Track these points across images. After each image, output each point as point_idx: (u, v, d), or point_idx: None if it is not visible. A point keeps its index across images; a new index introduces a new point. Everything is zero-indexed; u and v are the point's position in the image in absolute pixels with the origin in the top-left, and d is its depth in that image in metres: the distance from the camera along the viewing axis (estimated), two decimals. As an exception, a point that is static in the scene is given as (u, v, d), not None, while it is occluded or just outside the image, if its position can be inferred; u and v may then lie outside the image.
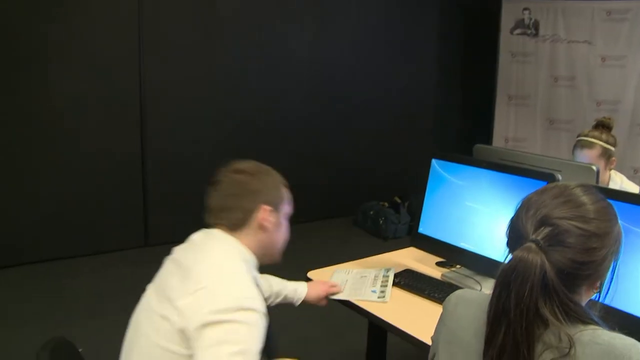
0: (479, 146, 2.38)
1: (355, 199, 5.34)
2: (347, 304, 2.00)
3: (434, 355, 1.26)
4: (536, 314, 1.02)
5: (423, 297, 1.98)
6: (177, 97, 4.52)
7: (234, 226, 1.53)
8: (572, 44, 5.37)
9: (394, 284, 2.06)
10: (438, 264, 2.28)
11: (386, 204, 5.25)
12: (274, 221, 1.57)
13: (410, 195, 5.16)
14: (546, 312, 1.02)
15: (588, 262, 1.04)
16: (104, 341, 3.07)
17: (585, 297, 1.11)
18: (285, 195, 1.62)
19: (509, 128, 5.83)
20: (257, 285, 1.48)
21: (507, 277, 1.04)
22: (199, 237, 1.57)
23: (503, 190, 1.96)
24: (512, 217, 1.12)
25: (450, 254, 2.16)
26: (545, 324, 1.03)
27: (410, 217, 4.99)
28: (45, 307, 3.49)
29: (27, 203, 3.99)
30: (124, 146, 4.37)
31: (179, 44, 4.47)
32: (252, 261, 1.54)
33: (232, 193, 1.54)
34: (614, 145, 2.55)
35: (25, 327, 3.25)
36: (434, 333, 1.28)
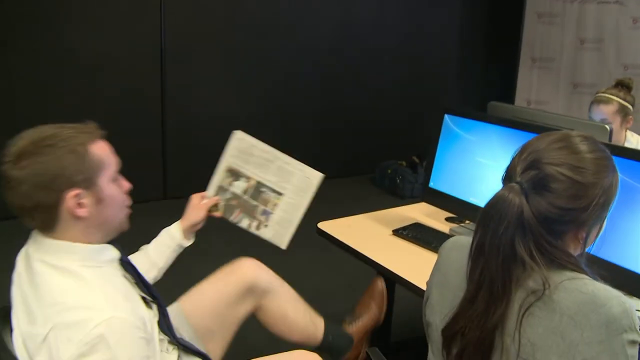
0: (493, 103, 2.37)
1: (374, 157, 5.35)
2: (357, 255, 2.04)
3: (427, 299, 1.30)
4: (511, 252, 1.05)
5: (429, 249, 2.02)
6: (199, 49, 4.53)
7: (46, 229, 1.22)
8: (602, 4, 5.23)
9: (402, 236, 2.09)
10: (447, 219, 2.30)
11: (404, 163, 5.27)
12: (91, 201, 1.22)
13: (428, 155, 5.15)
14: (521, 250, 1.04)
15: (568, 208, 1.05)
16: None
17: (572, 246, 1.12)
18: (97, 158, 1.24)
19: (531, 90, 5.75)
20: (127, 268, 1.32)
21: (486, 214, 1.08)
22: (22, 267, 1.27)
23: (514, 146, 1.93)
24: (510, 160, 1.14)
25: (459, 208, 2.18)
26: (523, 264, 1.05)
27: (427, 177, 5.00)
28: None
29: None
30: (144, 102, 4.43)
31: (200, 2, 4.47)
32: (94, 250, 1.26)
33: (23, 192, 1.17)
34: (632, 104, 2.52)
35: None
36: (429, 278, 1.32)
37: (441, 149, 2.23)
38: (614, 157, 1.13)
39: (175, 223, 1.78)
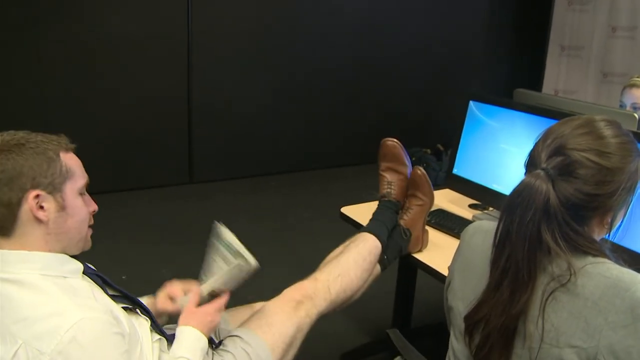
0: (519, 90, 2.36)
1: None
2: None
3: (449, 283, 1.31)
4: (538, 239, 1.05)
5: (452, 235, 2.03)
6: (226, 33, 4.55)
7: (3, 231, 1.18)
8: (637, -10, 5.12)
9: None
10: (471, 206, 2.30)
11: (429, 151, 5.25)
12: (52, 207, 1.19)
13: (452, 143, 5.13)
14: (547, 237, 1.04)
15: (596, 194, 1.05)
16: (146, 269, 3.26)
17: (597, 231, 1.12)
18: (67, 167, 1.22)
19: (559, 79, 5.67)
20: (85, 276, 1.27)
21: (512, 202, 1.08)
22: None
23: (538, 133, 1.96)
24: (532, 146, 1.14)
25: (482, 195, 2.18)
26: (548, 251, 1.05)
27: (452, 165, 4.99)
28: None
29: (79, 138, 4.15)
30: (171, 85, 4.46)
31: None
32: (55, 259, 1.21)
33: None
34: None
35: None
36: (451, 262, 1.33)
37: (465, 135, 2.23)
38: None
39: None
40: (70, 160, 1.24)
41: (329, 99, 5.13)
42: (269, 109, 4.90)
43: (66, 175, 1.21)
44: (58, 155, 1.21)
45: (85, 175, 1.27)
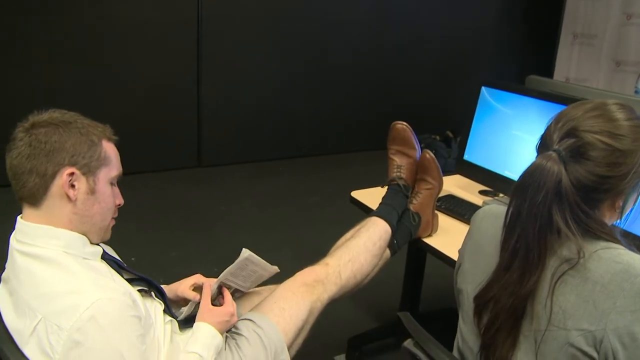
0: (532, 77, 2.35)
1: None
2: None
3: (459, 267, 1.32)
4: (548, 221, 1.05)
5: (462, 221, 2.03)
6: (237, 18, 4.53)
7: (32, 198, 1.20)
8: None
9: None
10: (481, 192, 2.30)
11: (438, 138, 5.24)
12: (83, 188, 1.22)
13: (463, 130, 5.11)
14: (558, 219, 1.04)
15: (607, 176, 1.05)
16: (155, 252, 3.28)
17: (608, 215, 1.12)
18: (105, 153, 1.25)
19: (570, 68, 5.62)
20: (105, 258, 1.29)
21: (524, 182, 1.08)
22: (8, 262, 1.26)
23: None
24: (544, 129, 1.14)
25: (493, 181, 2.18)
26: (558, 233, 1.05)
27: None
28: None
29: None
30: (181, 70, 4.46)
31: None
32: (78, 238, 1.23)
33: (25, 154, 1.18)
34: None
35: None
36: (461, 246, 1.33)
37: (477, 121, 2.22)
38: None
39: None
40: (110, 149, 1.27)
41: (338, 85, 5.12)
42: (278, 94, 4.89)
43: (103, 162, 1.24)
44: (100, 141, 1.24)
45: (120, 167, 1.30)
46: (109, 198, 1.28)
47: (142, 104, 4.35)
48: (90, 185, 1.22)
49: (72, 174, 1.19)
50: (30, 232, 1.20)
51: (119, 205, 1.33)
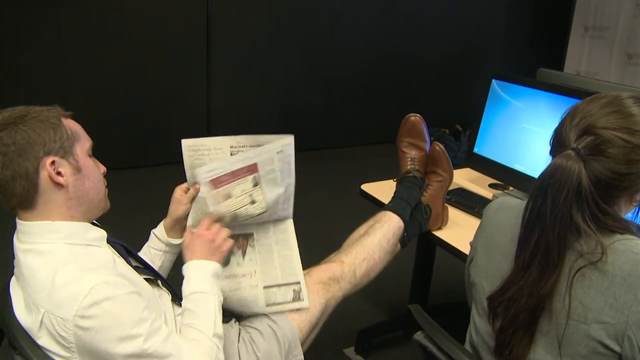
0: (542, 70, 2.33)
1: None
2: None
3: (471, 259, 1.31)
4: (570, 222, 1.04)
5: (472, 214, 2.03)
6: (247, 8, 4.53)
7: (26, 202, 1.20)
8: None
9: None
10: (491, 185, 2.30)
11: (447, 131, 5.22)
12: (69, 171, 1.22)
13: (472, 124, 5.10)
14: (579, 219, 1.04)
15: (627, 173, 1.05)
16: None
17: (624, 209, 1.12)
18: (71, 130, 1.24)
19: (581, 61, 5.57)
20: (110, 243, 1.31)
21: (544, 183, 1.06)
22: (18, 270, 1.26)
23: (561, 112, 1.94)
24: (558, 125, 1.13)
25: (503, 175, 2.17)
26: (579, 232, 1.05)
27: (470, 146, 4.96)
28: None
29: (94, 113, 4.20)
30: (190, 60, 4.47)
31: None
32: (79, 227, 1.25)
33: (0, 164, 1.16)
34: None
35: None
36: (473, 239, 1.33)
37: (487, 114, 2.22)
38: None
39: (161, 222, 1.66)
40: (73, 124, 1.26)
41: (347, 78, 5.11)
42: (287, 86, 4.89)
43: (73, 138, 1.24)
44: (60, 121, 1.23)
45: (89, 138, 1.29)
46: (95, 170, 1.28)
47: (149, 96, 4.36)
48: (73, 165, 1.23)
49: (53, 162, 1.19)
50: (29, 230, 1.21)
51: (104, 173, 1.33)
